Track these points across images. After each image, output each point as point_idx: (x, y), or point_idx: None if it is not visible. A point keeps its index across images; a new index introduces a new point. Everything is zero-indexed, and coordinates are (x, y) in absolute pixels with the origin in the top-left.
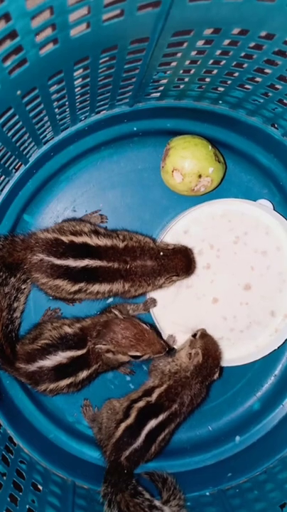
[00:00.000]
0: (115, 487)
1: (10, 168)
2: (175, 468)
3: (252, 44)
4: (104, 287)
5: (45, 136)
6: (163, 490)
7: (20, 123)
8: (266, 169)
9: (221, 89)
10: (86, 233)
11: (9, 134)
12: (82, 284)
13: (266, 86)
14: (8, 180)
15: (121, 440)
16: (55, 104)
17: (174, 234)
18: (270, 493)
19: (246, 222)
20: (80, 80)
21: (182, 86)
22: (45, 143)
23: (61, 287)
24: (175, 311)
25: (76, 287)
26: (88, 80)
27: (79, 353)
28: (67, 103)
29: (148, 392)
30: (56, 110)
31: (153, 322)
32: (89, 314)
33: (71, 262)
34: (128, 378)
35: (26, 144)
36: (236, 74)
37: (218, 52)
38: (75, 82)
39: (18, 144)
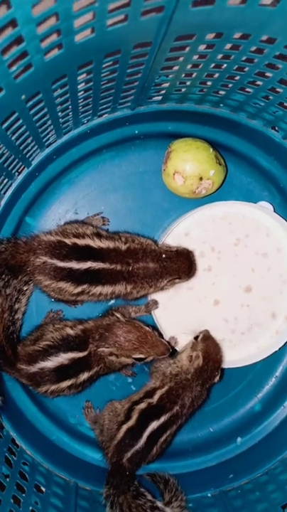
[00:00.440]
0: (117, 489)
1: (13, 172)
2: (176, 470)
3: (253, 48)
4: (107, 289)
5: (48, 139)
6: (165, 491)
7: (24, 127)
8: (267, 172)
9: (222, 92)
10: (88, 235)
11: (13, 137)
12: (84, 286)
13: (267, 89)
14: (11, 183)
15: (122, 442)
16: (59, 107)
17: (175, 236)
18: (271, 494)
19: (246, 224)
20: (83, 84)
21: (183, 89)
22: (47, 146)
23: (64, 289)
24: (177, 313)
25: (79, 289)
26: (91, 83)
27: (81, 354)
28: (70, 106)
29: (150, 394)
30: (59, 114)
31: (155, 324)
32: (91, 316)
33: (74, 264)
34: (129, 380)
35: (29, 147)
36: (238, 77)
37: (220, 56)
38: (78, 86)
39: (21, 148)
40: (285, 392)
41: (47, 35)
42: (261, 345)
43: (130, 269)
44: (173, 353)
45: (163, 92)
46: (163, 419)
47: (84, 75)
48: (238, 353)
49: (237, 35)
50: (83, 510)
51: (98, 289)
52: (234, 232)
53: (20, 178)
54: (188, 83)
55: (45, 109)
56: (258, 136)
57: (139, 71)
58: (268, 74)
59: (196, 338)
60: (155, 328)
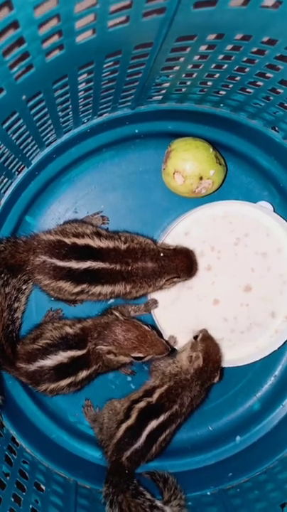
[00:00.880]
0: (116, 487)
1: (13, 171)
2: (176, 468)
3: (254, 49)
4: (106, 289)
5: (48, 138)
6: (164, 490)
7: (24, 126)
8: (267, 171)
9: (222, 92)
10: (88, 235)
11: (13, 137)
12: (84, 286)
13: (268, 90)
14: (11, 183)
15: (122, 441)
16: (59, 107)
17: (175, 235)
18: (270, 492)
19: (246, 223)
20: (84, 84)
21: (184, 89)
22: (47, 145)
23: (63, 289)
24: (176, 312)
25: (78, 288)
26: (92, 83)
27: (80, 353)
28: (70, 106)
29: (149, 393)
30: (59, 113)
31: (154, 323)
32: (90, 315)
33: (73, 264)
34: (129, 378)
35: (29, 147)
36: (238, 78)
37: (220, 56)
38: (79, 86)
39: (21, 147)
40: (284, 392)
41: (49, 36)
42: (260, 345)
43: (129, 268)
44: (172, 351)
45: (164, 91)
46: (162, 418)
47: (85, 75)
48: (237, 353)
49: (238, 36)
50: (83, 508)
51: (97, 289)
52: (234, 232)
53: (20, 177)
54: (189, 83)
55: (46, 109)
56: (259, 136)
57: (140, 71)
58: (268, 75)
59: (195, 337)
60: (154, 327)
